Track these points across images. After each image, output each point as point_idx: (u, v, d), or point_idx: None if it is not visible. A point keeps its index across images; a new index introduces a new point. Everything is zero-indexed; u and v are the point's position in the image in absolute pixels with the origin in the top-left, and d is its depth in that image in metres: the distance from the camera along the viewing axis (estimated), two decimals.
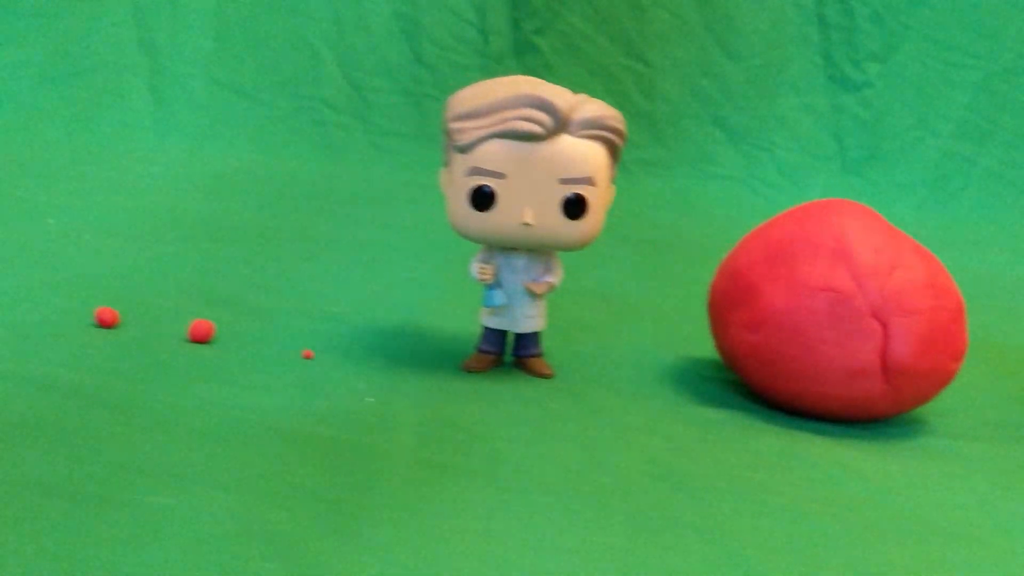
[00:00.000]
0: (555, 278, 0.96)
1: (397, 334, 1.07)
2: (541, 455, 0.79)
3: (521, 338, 0.99)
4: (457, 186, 0.91)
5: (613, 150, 0.92)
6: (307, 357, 0.98)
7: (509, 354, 1.01)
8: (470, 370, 0.98)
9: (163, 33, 2.43)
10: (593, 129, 0.90)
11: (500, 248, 0.96)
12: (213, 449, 0.75)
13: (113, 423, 0.78)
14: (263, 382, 0.90)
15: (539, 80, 0.94)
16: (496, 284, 0.95)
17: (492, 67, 2.46)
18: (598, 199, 0.92)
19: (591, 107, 0.91)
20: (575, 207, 0.91)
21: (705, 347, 1.09)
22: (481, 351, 0.99)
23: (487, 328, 0.99)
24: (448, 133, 0.91)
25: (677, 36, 2.46)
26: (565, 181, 0.90)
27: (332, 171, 2.19)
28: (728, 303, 0.92)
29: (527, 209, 0.90)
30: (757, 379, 0.90)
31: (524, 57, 2.47)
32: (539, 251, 0.96)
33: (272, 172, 2.08)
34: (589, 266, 1.43)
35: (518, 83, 0.92)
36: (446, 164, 0.94)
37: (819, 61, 2.47)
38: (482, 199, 0.90)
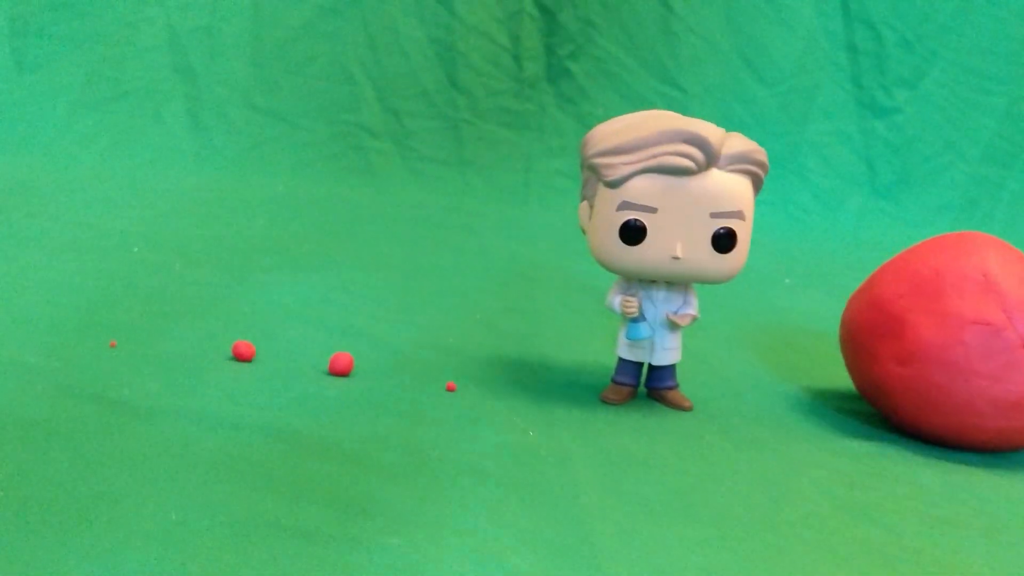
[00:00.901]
0: (695, 310, 0.97)
1: (521, 365, 1.08)
2: (723, 491, 0.80)
3: (658, 370, 1.00)
4: (605, 220, 0.92)
5: (756, 183, 0.93)
6: (450, 390, 0.99)
7: (642, 385, 1.02)
8: (609, 402, 0.99)
9: (199, 58, 2.43)
10: (741, 163, 0.91)
11: (639, 280, 0.96)
12: (424, 489, 0.76)
13: (311, 461, 0.78)
14: (426, 416, 0.90)
15: (677, 114, 0.95)
16: (640, 316, 0.96)
17: (526, 92, 2.48)
18: (746, 232, 0.93)
19: (737, 141, 0.92)
20: (725, 241, 0.92)
21: (820, 377, 1.11)
22: (618, 383, 1.00)
23: (623, 360, 1.00)
24: (594, 168, 0.92)
25: (709, 61, 2.49)
26: (716, 215, 0.91)
27: (373, 196, 2.20)
28: (874, 335, 0.94)
29: (678, 243, 0.91)
30: (908, 411, 0.92)
31: (558, 82, 2.49)
32: (678, 283, 0.96)
33: (314, 197, 2.09)
34: None
35: (663, 118, 0.94)
36: (587, 198, 0.95)
37: (849, 87, 2.50)
38: (633, 233, 0.91)
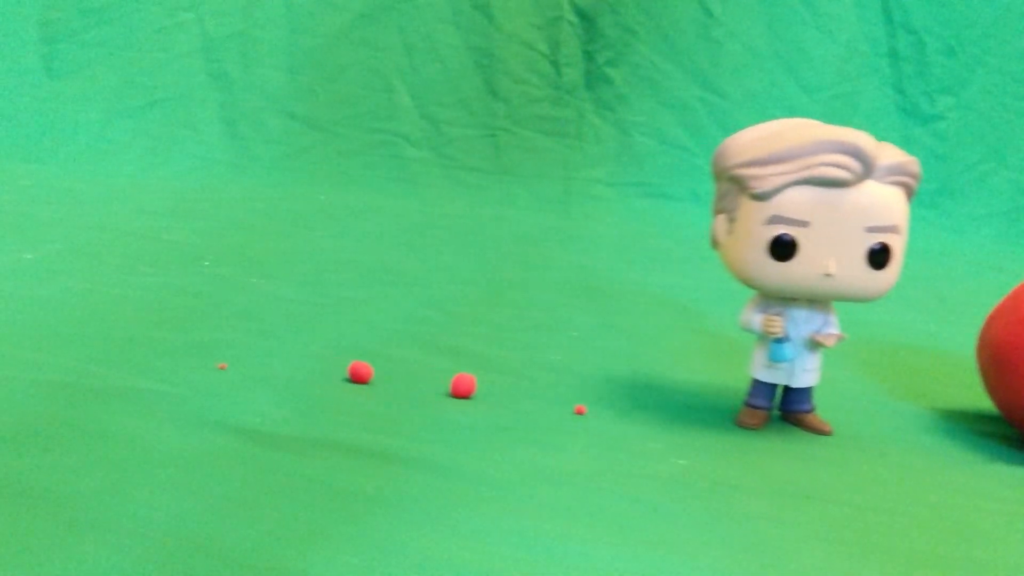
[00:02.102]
0: (838, 329, 0.93)
1: (637, 385, 1.03)
2: (902, 525, 0.75)
3: (794, 392, 0.96)
4: (750, 234, 0.88)
5: (909, 196, 0.89)
6: (579, 413, 0.94)
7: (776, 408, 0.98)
8: (746, 426, 0.95)
9: (234, 65, 2.38)
10: (898, 175, 0.87)
11: (778, 298, 0.92)
12: (593, 526, 0.71)
13: (462, 492, 0.74)
14: (559, 442, 0.86)
15: (819, 123, 0.91)
16: (785, 337, 0.91)
17: (565, 99, 2.44)
18: (900, 248, 0.89)
19: (891, 152, 0.88)
20: (881, 256, 0.88)
21: (941, 397, 1.07)
22: (752, 406, 0.96)
23: (759, 382, 0.95)
24: (739, 179, 0.88)
25: (750, 68, 2.45)
26: (872, 229, 0.87)
27: (415, 206, 2.16)
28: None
29: (831, 259, 0.87)
30: None
31: (597, 89, 2.46)
32: (819, 302, 0.92)
33: (358, 207, 2.04)
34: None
35: (809, 127, 0.89)
36: (725, 211, 0.91)
37: (891, 94, 2.47)
38: (783, 248, 0.87)
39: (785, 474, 0.83)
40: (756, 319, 0.92)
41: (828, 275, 0.87)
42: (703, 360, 1.15)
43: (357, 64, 2.42)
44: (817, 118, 2.51)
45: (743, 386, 1.01)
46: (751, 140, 0.90)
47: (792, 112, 2.46)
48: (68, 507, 0.65)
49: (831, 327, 0.93)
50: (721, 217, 0.92)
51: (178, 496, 0.68)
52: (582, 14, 2.44)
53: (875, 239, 0.87)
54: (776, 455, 0.87)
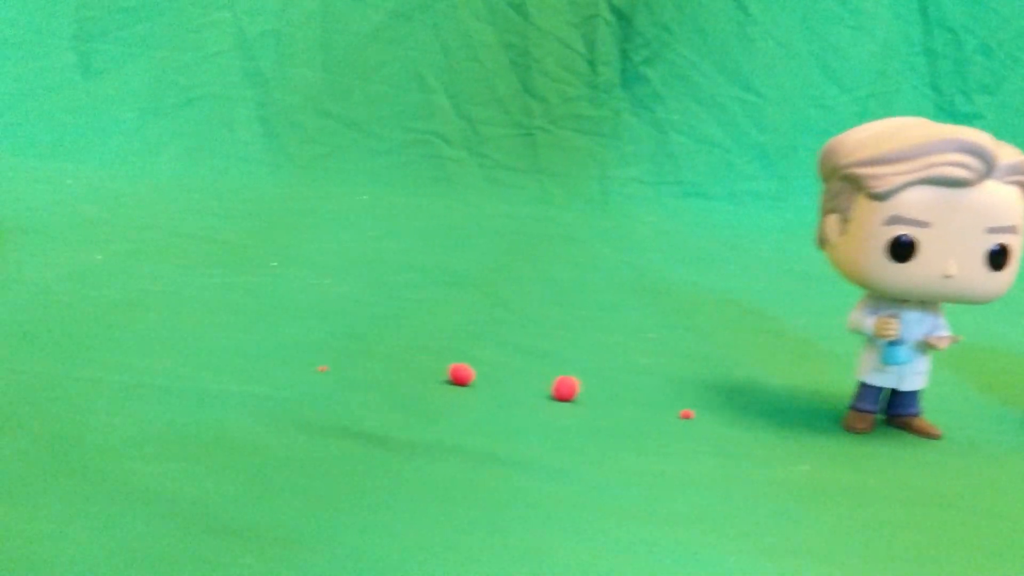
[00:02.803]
0: (949, 331, 0.92)
1: (734, 389, 1.02)
2: None
3: (902, 395, 0.94)
4: (868, 235, 0.87)
5: None
6: (686, 417, 0.93)
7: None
8: (855, 431, 0.93)
9: (269, 63, 2.36)
10: (1017, 175, 0.85)
11: (889, 300, 0.91)
12: (721, 533, 0.70)
13: (560, 493, 0.72)
14: (671, 447, 0.84)
15: (931, 121, 0.90)
16: (899, 340, 0.90)
17: (601, 98, 2.42)
18: (1018, 248, 0.87)
19: (1010, 151, 0.87)
20: (1000, 257, 0.86)
21: None
22: (859, 410, 0.94)
23: (866, 385, 0.94)
24: (856, 179, 0.86)
25: (785, 66, 2.44)
26: (993, 230, 0.85)
27: (454, 206, 2.14)
28: None
29: (951, 260, 0.86)
30: None
31: (633, 87, 2.44)
32: (931, 303, 0.91)
33: (398, 207, 2.03)
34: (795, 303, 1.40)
35: (924, 125, 0.88)
36: (838, 211, 0.89)
37: (928, 92, 2.46)
38: (903, 249, 0.86)
39: (911, 480, 0.82)
40: (868, 321, 0.90)
41: (948, 276, 0.86)
42: (786, 363, 1.13)
43: (392, 62, 2.40)
44: (853, 117, 2.51)
45: (835, 389, 1.00)
46: (864, 138, 0.89)
47: (828, 111, 2.45)
48: (202, 514, 0.63)
49: (942, 329, 0.91)
50: (833, 217, 0.90)
51: (308, 502, 0.66)
52: (618, 12, 2.43)
53: (995, 240, 0.86)
54: (896, 460, 0.86)
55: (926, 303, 0.91)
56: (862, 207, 0.87)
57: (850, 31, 2.44)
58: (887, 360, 0.90)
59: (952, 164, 0.84)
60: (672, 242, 1.96)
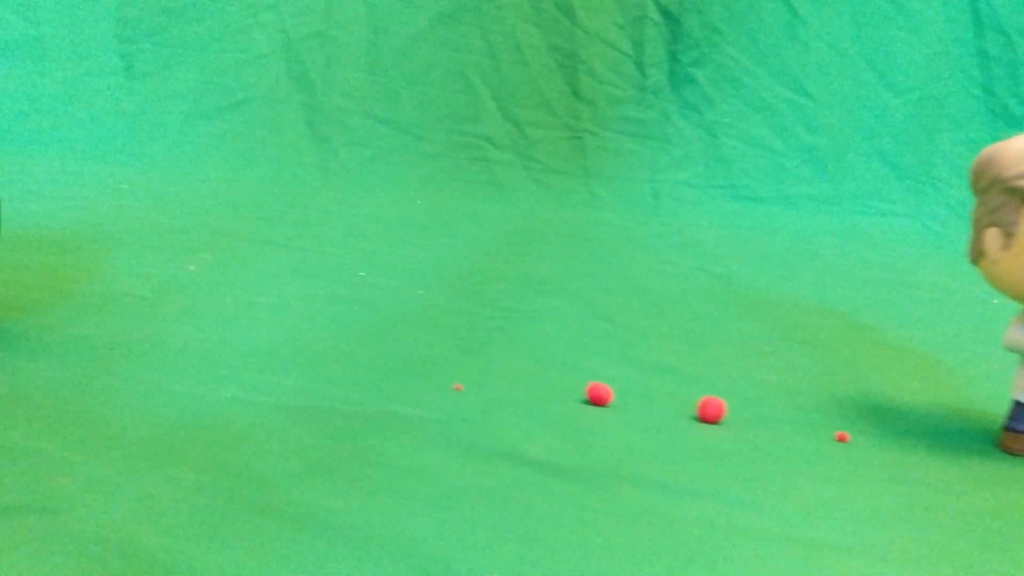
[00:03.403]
0: None
1: (874, 406, 0.99)
2: None
3: None
4: None
5: None
6: (842, 440, 0.89)
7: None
8: (1012, 452, 0.90)
9: (315, 66, 2.33)
10: None
11: None
12: (907, 561, 0.66)
13: (736, 522, 0.69)
14: (835, 472, 0.81)
15: None
16: None
17: (649, 100, 2.40)
18: None
19: None
20: None
21: None
22: (1017, 431, 0.91)
23: (1021, 404, 0.90)
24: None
25: (836, 68, 2.41)
26: None
27: (505, 210, 2.11)
28: None
29: None
30: None
31: (682, 89, 2.41)
32: None
33: (452, 211, 2.00)
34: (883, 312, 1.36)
35: None
36: (1000, 225, 0.86)
37: (980, 95, 2.43)
38: None
39: None
40: None
41: None
42: (917, 379, 1.10)
43: (439, 65, 2.37)
44: (904, 120, 2.48)
45: (975, 406, 0.97)
46: None
47: (879, 113, 2.42)
48: (408, 553, 0.59)
49: None
50: (994, 231, 0.87)
51: (503, 535, 0.63)
52: (666, 13, 2.40)
53: None
54: None
55: None
56: None
57: (901, 33, 2.41)
58: None
59: None
60: (738, 247, 1.92)
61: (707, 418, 0.91)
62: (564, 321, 1.19)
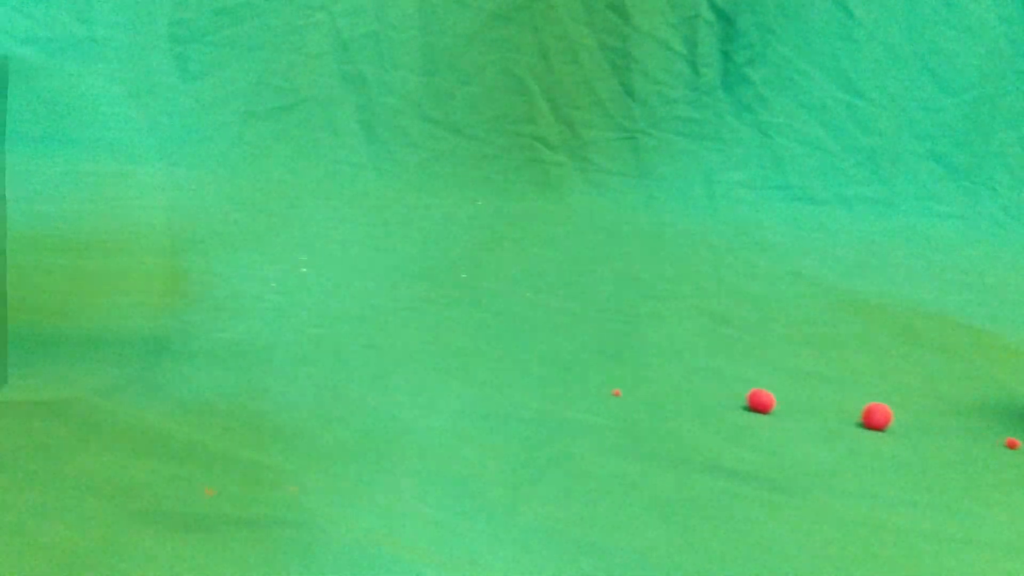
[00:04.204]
0: None
1: (1008, 412, 0.97)
2: None
3: None
4: None
5: None
6: (1012, 447, 0.87)
7: None
8: None
9: (368, 66, 2.31)
10: None
11: None
12: None
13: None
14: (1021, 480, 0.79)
15: None
16: None
17: (703, 100, 2.38)
18: None
19: None
20: None
21: None
22: None
23: None
24: None
25: (890, 68, 2.40)
26: None
27: (562, 212, 2.10)
28: None
29: None
30: None
31: (735, 89, 2.40)
32: None
33: (512, 213, 1.98)
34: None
35: None
36: None
37: None
38: None
39: None
40: None
41: None
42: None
43: (491, 66, 2.35)
44: (959, 121, 2.47)
45: None
46: None
47: (934, 114, 2.42)
48: (607, 555, 0.57)
49: None
50: None
51: (702, 542, 0.61)
52: (719, 13, 2.38)
53: None
54: None
55: None
56: None
57: (955, 33, 2.41)
58: None
59: None
60: (808, 248, 1.91)
61: (874, 425, 0.89)
62: (685, 325, 1.17)
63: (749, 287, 1.46)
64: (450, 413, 0.78)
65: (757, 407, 0.90)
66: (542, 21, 2.38)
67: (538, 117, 2.36)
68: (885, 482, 0.75)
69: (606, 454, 0.74)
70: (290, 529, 0.54)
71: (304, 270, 1.19)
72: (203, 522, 0.54)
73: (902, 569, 0.61)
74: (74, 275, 1.04)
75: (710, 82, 2.39)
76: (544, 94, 2.36)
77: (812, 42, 2.38)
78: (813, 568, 0.61)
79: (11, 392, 0.68)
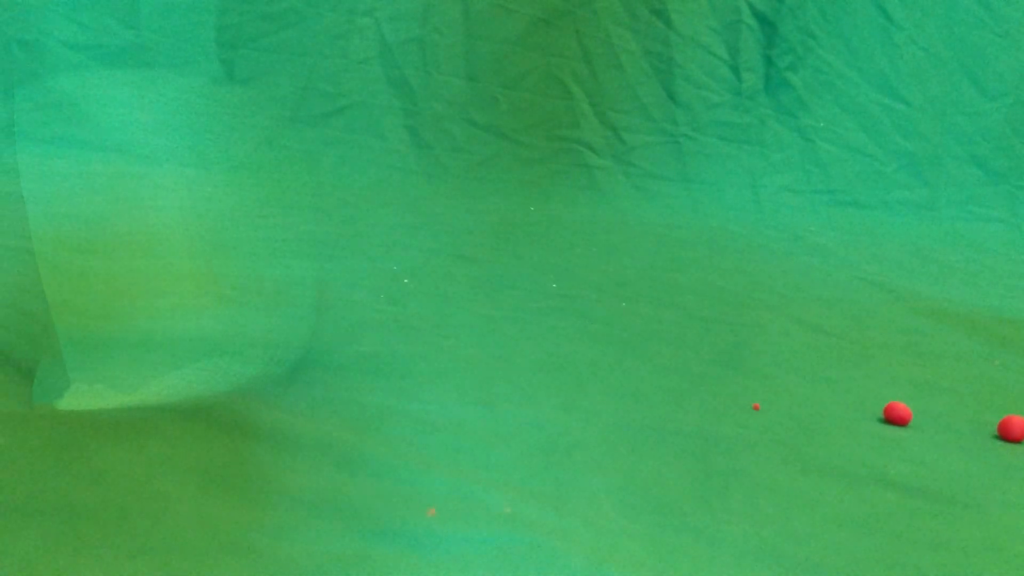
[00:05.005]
0: None
1: None
2: None
3: None
4: None
5: None
6: None
7: None
8: None
9: (413, 72, 2.31)
10: None
11: None
12: None
13: None
14: None
15: None
16: None
17: (746, 104, 2.39)
18: None
19: None
20: None
21: None
22: None
23: None
24: None
25: (930, 73, 2.41)
26: None
27: (609, 216, 2.10)
28: None
29: None
30: None
31: (778, 94, 2.40)
32: None
33: (557, 217, 1.98)
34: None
35: None
36: None
37: None
38: None
39: None
40: None
41: None
42: None
43: (536, 70, 2.35)
44: (998, 125, 2.48)
45: None
46: None
47: (974, 118, 2.43)
48: (808, 572, 0.57)
49: None
50: None
51: (902, 559, 0.61)
52: (761, 17, 2.38)
53: None
54: None
55: None
56: None
57: (994, 38, 2.41)
58: None
59: None
60: (860, 253, 1.91)
61: (1013, 436, 0.89)
62: (787, 335, 1.17)
63: (827, 294, 1.46)
64: (608, 426, 0.78)
65: (895, 420, 0.90)
66: (585, 26, 2.39)
67: (582, 121, 2.36)
68: None
69: (775, 469, 0.74)
70: (519, 546, 0.54)
71: (406, 280, 1.19)
72: (432, 540, 0.53)
73: None
74: (108, 277, 1.03)
75: (752, 86, 2.40)
76: (588, 99, 2.37)
77: (853, 46, 2.39)
78: None
79: (142, 396, 0.67)
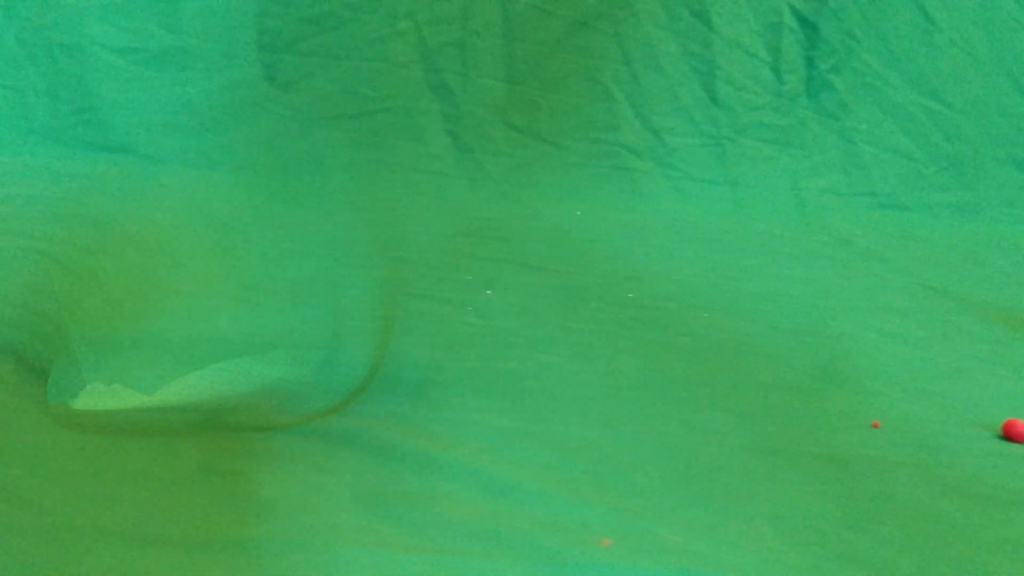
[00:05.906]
0: None
1: None
2: None
3: None
4: None
5: None
6: None
7: None
8: None
9: (453, 75, 2.29)
10: None
11: None
12: None
13: None
14: None
15: None
16: None
17: (787, 107, 2.37)
18: None
19: None
20: None
21: None
22: None
23: None
24: None
25: (972, 75, 2.39)
26: None
27: (653, 221, 2.08)
28: None
29: None
30: None
31: (819, 96, 2.39)
32: None
33: (605, 221, 1.96)
34: None
35: None
36: None
37: None
38: None
39: None
40: None
41: None
42: None
43: (575, 73, 2.33)
44: None
45: None
46: None
47: (1016, 120, 2.41)
48: None
49: None
50: None
51: None
52: (803, 19, 2.37)
53: None
54: None
55: None
56: None
57: None
58: None
59: None
60: (911, 256, 1.90)
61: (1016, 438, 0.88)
62: (874, 345, 1.16)
63: (896, 302, 1.44)
64: (734, 448, 0.76)
65: (1016, 437, 0.89)
66: (625, 29, 2.37)
67: (623, 124, 2.35)
68: None
69: (912, 491, 0.72)
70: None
71: (489, 292, 1.17)
72: (614, 574, 0.52)
73: None
74: (119, 278, 1.01)
75: (794, 89, 2.38)
76: (628, 101, 2.35)
77: (894, 48, 2.37)
78: None
79: (247, 417, 0.65)
